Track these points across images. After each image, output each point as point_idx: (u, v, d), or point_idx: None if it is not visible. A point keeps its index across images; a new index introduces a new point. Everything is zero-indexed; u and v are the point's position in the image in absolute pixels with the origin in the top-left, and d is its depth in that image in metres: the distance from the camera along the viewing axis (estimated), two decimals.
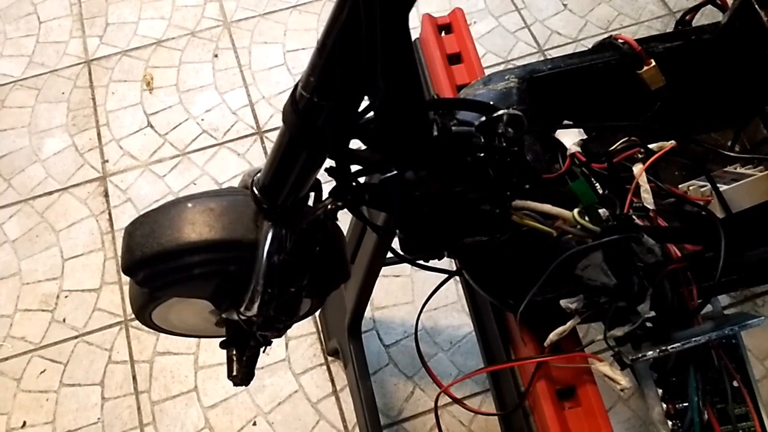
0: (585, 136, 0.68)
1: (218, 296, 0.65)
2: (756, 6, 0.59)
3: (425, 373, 1.40)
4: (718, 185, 0.67)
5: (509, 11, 2.00)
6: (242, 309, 0.63)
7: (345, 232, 1.24)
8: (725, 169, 0.71)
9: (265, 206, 0.57)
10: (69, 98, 1.82)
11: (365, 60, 0.40)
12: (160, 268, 0.61)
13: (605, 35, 2.07)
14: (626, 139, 0.68)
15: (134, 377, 1.45)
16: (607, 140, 0.69)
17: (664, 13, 1.98)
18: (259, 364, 1.46)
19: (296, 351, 1.48)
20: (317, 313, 1.50)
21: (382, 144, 0.49)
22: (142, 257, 0.60)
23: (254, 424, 1.40)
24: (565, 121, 0.69)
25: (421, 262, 0.62)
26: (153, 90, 1.84)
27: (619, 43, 0.69)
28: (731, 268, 0.58)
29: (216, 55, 1.89)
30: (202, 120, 1.79)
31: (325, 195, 0.58)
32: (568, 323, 0.56)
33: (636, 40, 0.69)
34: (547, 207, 0.55)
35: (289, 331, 1.48)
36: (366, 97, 0.46)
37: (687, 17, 0.77)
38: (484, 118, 0.55)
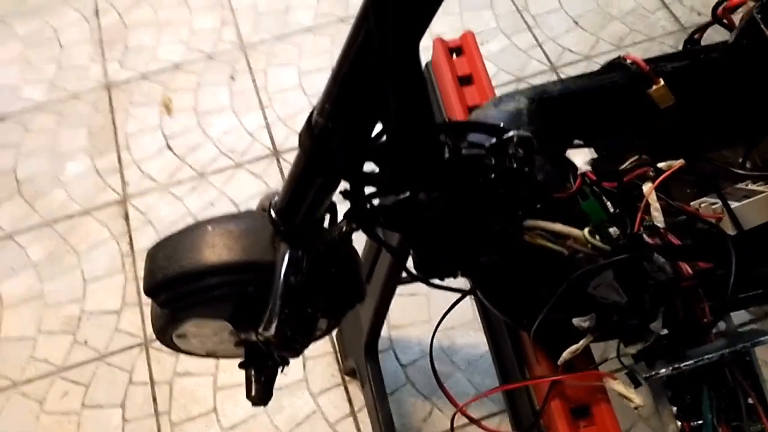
0: (596, 156, 0.69)
1: (237, 317, 0.67)
2: (762, 25, 0.60)
3: (443, 393, 1.41)
4: (730, 202, 0.67)
5: (521, 30, 2.01)
6: (260, 330, 0.64)
7: (360, 252, 1.25)
8: (737, 186, 0.71)
9: (282, 228, 0.58)
10: (90, 122, 1.86)
11: (377, 86, 0.41)
12: (181, 290, 0.63)
13: (618, 52, 2.08)
14: (637, 157, 0.68)
15: (154, 398, 1.46)
16: (618, 159, 0.70)
17: (676, 29, 1.99)
18: (277, 385, 1.47)
19: (314, 371, 1.49)
20: (334, 333, 1.50)
21: (395, 166, 0.51)
22: (163, 279, 0.62)
23: None
24: (576, 141, 0.70)
25: (436, 281, 0.63)
26: (172, 113, 1.88)
27: (627, 64, 0.70)
28: (743, 285, 0.58)
29: (233, 78, 1.93)
30: (220, 142, 1.82)
31: (340, 216, 0.60)
32: (581, 342, 0.56)
33: (644, 60, 0.70)
34: (558, 226, 0.56)
35: (306, 351, 1.49)
36: (379, 122, 0.47)
37: (696, 36, 0.78)
38: (494, 140, 0.56)
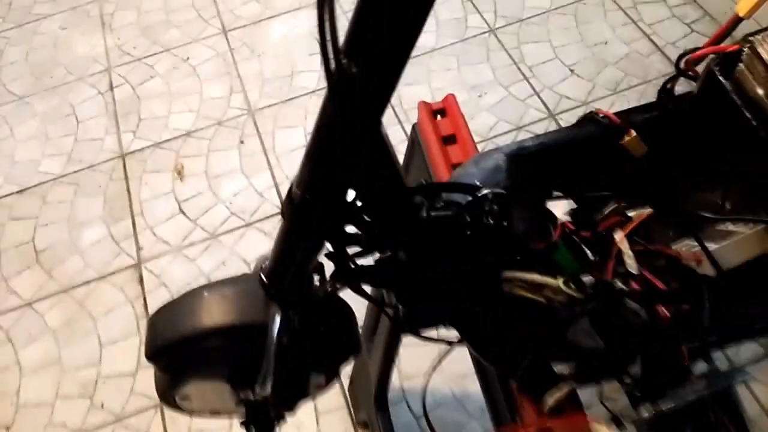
0: (575, 206, 0.72)
1: (234, 377, 0.69)
2: (719, 77, 0.64)
3: None
4: (709, 244, 0.69)
5: (518, 80, 2.07)
6: (257, 388, 0.66)
7: (366, 306, 1.27)
8: (716, 227, 0.74)
9: (272, 290, 0.61)
10: (105, 191, 1.94)
11: (344, 160, 0.45)
12: (180, 354, 0.66)
13: (614, 97, 2.12)
14: (615, 205, 0.71)
15: None
16: (597, 208, 0.72)
17: (671, 71, 2.03)
18: None
19: (327, 425, 1.49)
20: (346, 386, 1.51)
21: (372, 229, 0.54)
22: (162, 345, 0.65)
23: None
24: (555, 192, 0.73)
25: (425, 333, 0.66)
26: (184, 178, 1.94)
27: (599, 117, 0.73)
28: (723, 325, 0.60)
29: (242, 142, 2.00)
30: (231, 203, 1.87)
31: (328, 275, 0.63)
32: (563, 388, 0.58)
33: (616, 113, 0.74)
34: (534, 276, 0.58)
35: (319, 405, 1.51)
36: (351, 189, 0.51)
37: (668, 85, 0.81)
38: (469, 198, 0.59)
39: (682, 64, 0.71)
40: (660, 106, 0.73)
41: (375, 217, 0.52)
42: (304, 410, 1.51)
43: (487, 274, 0.59)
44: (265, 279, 0.62)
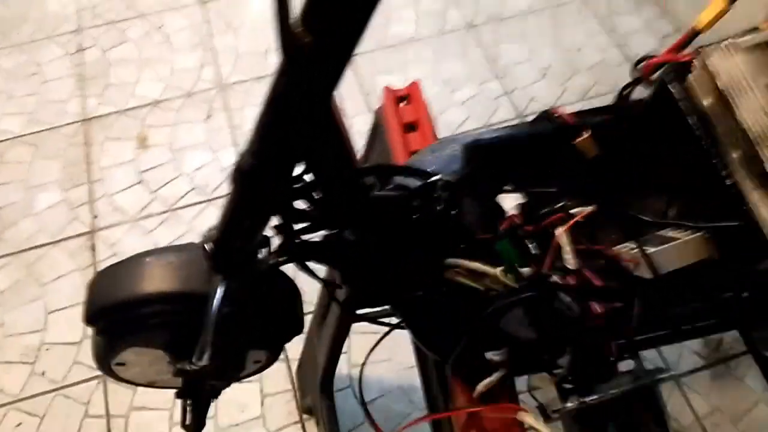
0: (524, 200, 0.73)
1: (172, 347, 0.69)
2: (669, 85, 0.65)
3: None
4: (648, 248, 0.71)
5: (491, 79, 2.09)
6: (194, 359, 0.66)
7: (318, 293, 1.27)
8: (657, 233, 0.76)
9: (216, 261, 0.61)
10: (65, 154, 1.89)
11: (296, 132, 0.45)
12: (118, 318, 0.65)
13: (583, 103, 2.15)
14: (563, 203, 0.73)
15: None
16: (546, 205, 0.74)
17: None
18: (233, 422, 1.48)
19: (272, 409, 1.49)
20: (293, 371, 1.51)
21: (320, 205, 0.54)
22: (101, 308, 0.64)
23: None
24: (507, 186, 0.74)
25: (365, 315, 0.66)
26: (147, 148, 1.91)
27: (555, 117, 0.75)
28: (652, 325, 0.62)
29: (210, 116, 1.97)
30: (193, 177, 1.85)
31: None
32: (494, 375, 0.59)
33: (572, 113, 0.75)
34: (475, 265, 0.59)
35: (265, 388, 1.51)
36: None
37: (624, 92, 0.83)
38: (420, 183, 0.60)
39: (636, 72, 0.72)
40: (614, 110, 0.75)
41: (324, 194, 0.52)
42: (250, 391, 1.51)
43: (430, 260, 0.60)
44: (210, 249, 0.62)
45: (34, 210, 1.79)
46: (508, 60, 2.12)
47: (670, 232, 0.75)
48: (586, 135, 0.74)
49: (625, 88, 0.83)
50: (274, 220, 0.58)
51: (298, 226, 0.59)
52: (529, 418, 0.58)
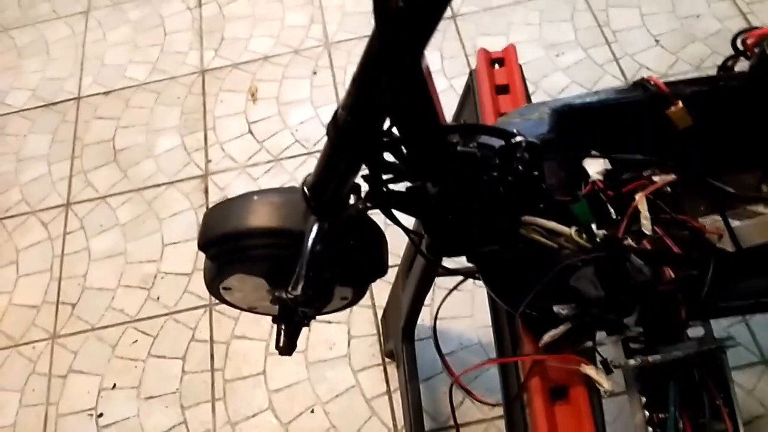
0: (610, 167, 0.74)
1: (271, 276, 0.77)
2: None
3: (477, 384, 1.47)
4: (734, 221, 0.71)
5: (599, 44, 2.03)
6: (289, 288, 0.74)
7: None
8: (747, 207, 0.75)
9: (312, 203, 0.68)
10: (183, 103, 2.05)
11: (386, 90, 0.50)
12: (227, 247, 0.74)
13: (696, 73, 2.06)
14: (650, 172, 0.74)
15: (212, 356, 1.61)
16: (631, 172, 0.75)
17: None
18: (322, 358, 1.58)
19: (357, 349, 1.59)
20: (379, 316, 1.60)
21: (405, 159, 0.59)
22: (213, 237, 0.73)
23: (312, 411, 1.52)
24: (593, 152, 0.76)
25: (444, 265, 0.71)
26: (257, 101, 2.03)
27: (649, 85, 0.75)
28: (725, 296, 0.62)
29: (315, 73, 2.06)
30: (296, 131, 1.95)
31: None
32: (560, 327, 0.62)
33: (666, 83, 0.75)
34: (551, 224, 0.62)
35: (352, 330, 1.60)
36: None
37: (728, 63, 0.82)
38: (503, 143, 0.64)
39: (738, 43, 0.71)
40: (712, 82, 0.74)
41: (408, 148, 0.57)
42: (339, 333, 1.61)
43: (508, 216, 0.64)
44: (307, 192, 0.68)
45: (155, 152, 1.96)
46: (619, 25, 2.05)
47: (760, 208, 0.74)
48: (679, 105, 0.75)
49: (727, 60, 0.81)
50: (365, 170, 0.64)
51: (385, 177, 0.64)
52: (591, 371, 0.61)
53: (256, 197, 0.73)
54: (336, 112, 0.58)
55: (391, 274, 1.51)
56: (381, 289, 1.60)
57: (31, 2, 2.39)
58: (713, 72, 2.02)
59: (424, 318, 1.51)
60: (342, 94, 1.97)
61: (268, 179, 1.87)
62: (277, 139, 1.94)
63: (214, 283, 0.80)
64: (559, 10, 2.10)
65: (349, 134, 0.57)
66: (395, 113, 0.55)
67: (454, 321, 1.61)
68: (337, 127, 0.57)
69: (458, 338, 1.59)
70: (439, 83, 1.97)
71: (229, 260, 0.75)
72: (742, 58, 0.81)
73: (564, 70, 1.99)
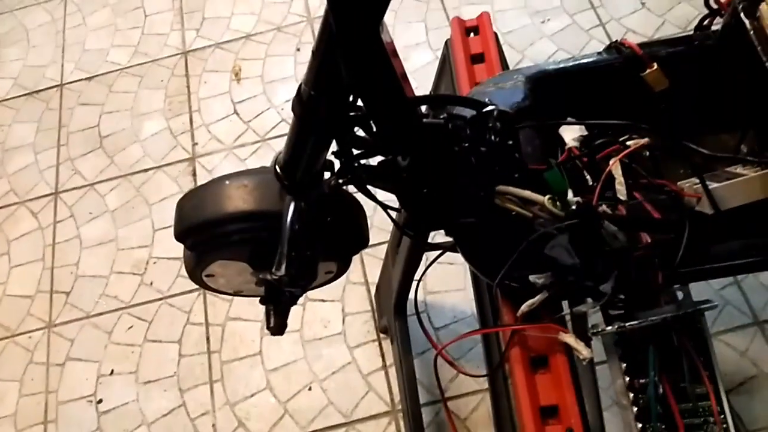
0: (586, 133, 0.74)
1: (253, 259, 0.77)
2: (742, 15, 0.63)
3: (471, 357, 1.47)
4: (712, 183, 0.70)
5: (585, 9, 2.00)
6: (273, 270, 0.74)
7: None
8: (726, 169, 0.75)
9: (286, 183, 0.67)
10: (167, 85, 2.02)
11: (344, 63, 0.49)
12: (204, 236, 0.73)
13: (683, 34, 2.03)
14: (626, 137, 0.73)
15: (208, 338, 1.61)
16: (608, 137, 0.74)
17: None
18: (317, 336, 1.59)
19: (352, 326, 1.60)
20: (372, 293, 1.60)
21: (375, 132, 0.58)
22: (188, 226, 0.73)
23: (309, 389, 1.53)
24: (569, 119, 0.75)
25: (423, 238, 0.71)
26: (240, 80, 2.01)
27: (623, 48, 0.74)
28: (700, 259, 0.62)
29: (298, 49, 2.03)
30: (282, 109, 1.93)
31: None
32: (537, 297, 0.62)
33: (639, 44, 0.74)
34: (525, 193, 0.62)
35: (346, 308, 1.61)
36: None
37: (704, 22, 0.80)
38: (474, 113, 0.63)
39: (712, 2, 0.70)
40: (687, 42, 0.73)
41: (375, 122, 0.56)
42: (334, 311, 1.61)
43: (482, 187, 0.63)
44: (279, 171, 0.68)
45: (141, 137, 1.94)
46: None
47: (738, 169, 0.73)
48: (654, 67, 0.73)
49: (703, 19, 0.80)
50: (335, 146, 0.63)
51: (357, 152, 0.63)
52: (570, 338, 0.61)
53: (227, 181, 0.72)
54: (299, 88, 0.57)
55: (382, 250, 1.52)
56: (373, 266, 1.61)
57: None
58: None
59: (417, 292, 1.51)
60: None
61: (256, 160, 1.86)
62: (263, 118, 1.93)
63: (195, 272, 0.80)
64: None
65: (314, 109, 0.56)
66: (358, 87, 0.54)
67: (447, 294, 1.62)
68: (301, 103, 0.57)
69: (451, 311, 1.60)
70: (425, 56, 1.95)
71: (207, 248, 0.75)
72: (718, 18, 0.80)
73: (550, 37, 1.96)
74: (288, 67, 2.01)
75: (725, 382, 0.62)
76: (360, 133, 0.63)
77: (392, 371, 1.52)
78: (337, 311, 1.62)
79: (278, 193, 0.70)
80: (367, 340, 1.58)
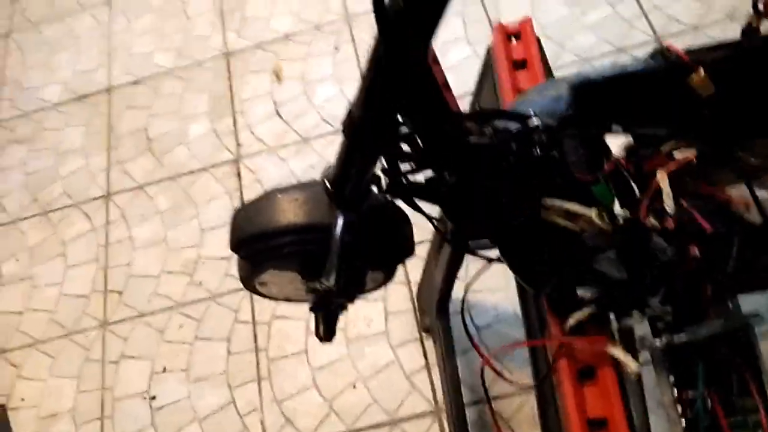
0: (632, 142, 0.73)
1: (304, 269, 0.79)
2: None
3: (513, 357, 1.48)
4: (762, 191, 0.69)
5: None
6: (322, 280, 0.76)
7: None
8: None
9: (335, 197, 0.69)
10: (211, 88, 2.07)
11: (394, 87, 0.51)
12: (258, 247, 0.76)
13: (729, 23, 1.97)
14: (669, 146, 0.72)
15: (255, 336, 1.66)
16: (655, 146, 0.74)
17: None
18: (362, 335, 1.62)
19: (394, 325, 1.62)
20: (414, 292, 1.62)
21: (422, 149, 0.60)
22: (243, 238, 0.76)
23: (354, 387, 1.56)
24: (615, 127, 0.75)
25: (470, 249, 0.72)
26: (282, 81, 2.04)
27: (669, 54, 0.73)
28: (752, 271, 0.62)
29: (336, 48, 2.05)
30: (323, 109, 1.95)
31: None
32: (585, 310, 0.63)
33: (686, 50, 0.73)
34: (572, 206, 0.62)
35: (388, 307, 1.63)
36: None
37: (752, 24, 0.79)
38: (519, 127, 0.63)
39: (760, 4, 0.69)
40: (735, 46, 0.72)
41: (422, 140, 0.58)
42: (376, 310, 1.64)
43: (528, 199, 0.64)
44: (329, 186, 0.70)
45: (187, 138, 1.99)
46: None
47: None
48: (701, 73, 0.72)
49: (749, 24, 0.78)
50: (383, 162, 0.65)
51: (404, 167, 0.65)
52: (618, 351, 0.62)
53: (280, 195, 0.74)
54: (349, 110, 0.58)
55: (423, 249, 1.53)
56: (414, 266, 1.62)
57: None
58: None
59: (459, 291, 1.52)
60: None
61: (298, 161, 1.89)
62: (304, 119, 1.96)
63: (248, 280, 0.83)
64: None
65: (364, 131, 0.57)
66: (406, 111, 0.55)
67: (489, 294, 1.62)
68: (351, 125, 0.58)
69: (494, 310, 1.60)
70: (462, 50, 1.95)
71: (261, 258, 0.77)
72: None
73: (590, 28, 1.93)
74: (326, 66, 2.03)
75: None
76: (407, 148, 0.64)
77: (435, 371, 1.54)
78: (380, 310, 1.64)
79: (328, 207, 0.72)
80: (410, 339, 1.59)
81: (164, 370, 1.65)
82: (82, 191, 1.97)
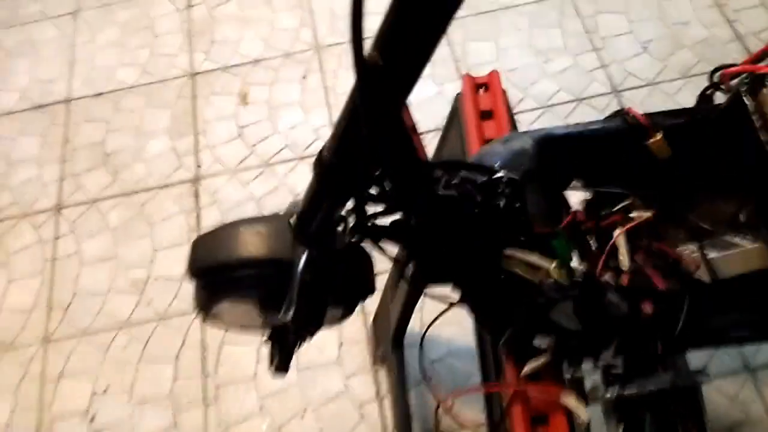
0: (590, 197, 0.76)
1: (263, 302, 0.79)
2: (744, 96, 0.66)
3: (467, 397, 1.49)
4: (714, 252, 0.73)
5: (587, 50, 2.05)
6: (281, 314, 0.76)
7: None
8: (724, 237, 0.77)
9: (299, 234, 0.70)
10: (173, 106, 2.05)
11: (368, 138, 0.52)
12: (217, 278, 0.76)
13: (683, 81, 2.06)
14: (626, 204, 0.76)
15: (203, 360, 1.62)
16: (612, 203, 0.77)
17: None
18: (313, 363, 1.60)
19: (348, 355, 1.61)
20: (369, 322, 1.62)
21: (389, 194, 0.61)
22: (202, 267, 0.75)
23: (302, 416, 1.54)
24: (575, 182, 0.78)
25: (430, 291, 0.73)
26: (247, 104, 2.03)
27: (628, 116, 0.77)
28: (701, 329, 0.65)
29: (305, 77, 2.06)
30: (287, 135, 1.96)
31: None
32: (540, 359, 0.65)
33: (644, 114, 0.77)
34: (532, 258, 0.64)
35: (342, 335, 1.62)
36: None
37: (707, 92, 0.84)
38: (485, 179, 0.65)
39: (716, 78, 0.73)
40: (689, 114, 0.76)
41: (392, 186, 0.59)
42: (329, 338, 1.63)
43: (490, 248, 0.66)
44: (294, 223, 0.70)
45: (145, 155, 1.96)
46: (607, 31, 2.07)
47: (735, 239, 0.76)
48: (658, 136, 0.76)
49: (705, 90, 0.83)
50: (350, 203, 0.66)
51: (371, 210, 0.66)
52: (571, 401, 0.64)
53: (242, 227, 0.74)
54: (321, 151, 0.60)
55: (380, 279, 1.54)
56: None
57: (18, 2, 2.37)
58: (701, 80, 2.04)
59: (414, 324, 1.53)
60: (332, 98, 2.00)
61: (259, 184, 1.88)
62: (267, 143, 1.95)
63: (204, 309, 0.82)
64: (548, 15, 2.12)
65: (334, 176, 0.59)
66: (378, 159, 0.56)
67: (443, 326, 1.62)
68: (322, 166, 0.59)
69: (447, 344, 1.61)
70: (428, 89, 1.99)
71: (219, 289, 0.77)
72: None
73: (552, 77, 2.00)
74: (293, 93, 2.03)
75: (714, 428, 0.64)
76: (373, 191, 0.65)
77: (386, 403, 1.54)
78: (334, 339, 1.63)
79: (291, 243, 0.73)
80: (363, 368, 1.59)
81: (106, 390, 1.60)
82: (32, 203, 1.91)
